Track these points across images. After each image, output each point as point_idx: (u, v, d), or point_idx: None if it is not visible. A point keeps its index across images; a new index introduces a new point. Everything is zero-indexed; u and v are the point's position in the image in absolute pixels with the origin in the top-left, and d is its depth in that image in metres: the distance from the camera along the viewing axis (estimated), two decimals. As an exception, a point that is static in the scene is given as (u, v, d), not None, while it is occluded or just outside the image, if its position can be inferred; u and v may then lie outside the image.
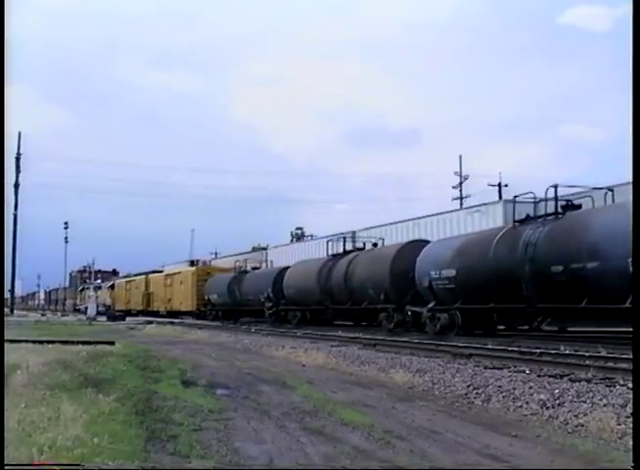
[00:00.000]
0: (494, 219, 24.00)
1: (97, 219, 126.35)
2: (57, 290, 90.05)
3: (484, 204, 26.61)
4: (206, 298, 37.77)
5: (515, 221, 16.42)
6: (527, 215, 16.13)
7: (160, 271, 54.01)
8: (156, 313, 44.70)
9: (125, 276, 65.28)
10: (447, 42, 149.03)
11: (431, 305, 18.42)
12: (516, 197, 17.16)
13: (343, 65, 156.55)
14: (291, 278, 28.70)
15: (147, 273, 54.74)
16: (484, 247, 16.79)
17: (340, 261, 25.05)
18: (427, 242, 21.12)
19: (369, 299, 22.14)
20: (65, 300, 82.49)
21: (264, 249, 45.38)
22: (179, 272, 44.84)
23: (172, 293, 43.63)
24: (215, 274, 39.58)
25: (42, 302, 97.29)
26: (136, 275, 60.65)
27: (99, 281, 65.04)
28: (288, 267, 30.27)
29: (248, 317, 33.64)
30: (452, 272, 17.63)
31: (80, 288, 70.02)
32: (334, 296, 24.78)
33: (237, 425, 6.15)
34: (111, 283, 63.14)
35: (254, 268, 36.08)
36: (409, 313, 19.63)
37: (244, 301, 33.49)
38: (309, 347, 15.50)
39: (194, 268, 43.31)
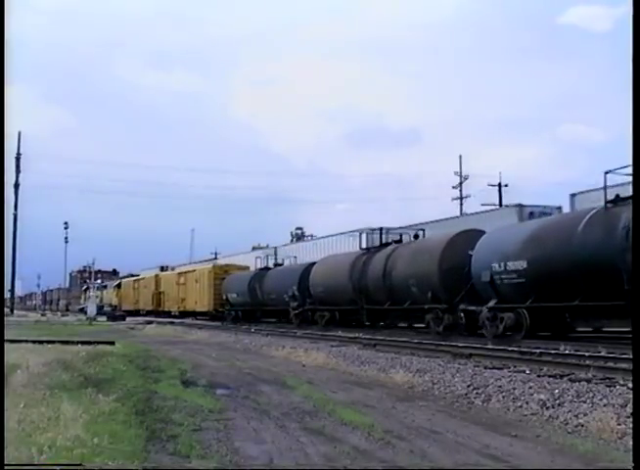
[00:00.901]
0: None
1: (97, 219, 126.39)
2: (51, 291, 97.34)
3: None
4: (225, 297, 34.98)
5: (607, 202, 13.59)
6: (617, 196, 13.46)
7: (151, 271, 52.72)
8: (167, 314, 42.55)
9: (127, 275, 64.17)
10: (447, 42, 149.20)
11: (492, 304, 15.74)
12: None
13: (343, 65, 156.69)
14: (318, 275, 25.83)
15: (159, 269, 53.33)
16: (566, 232, 14.11)
17: (376, 256, 22.12)
18: (481, 232, 18.02)
19: (412, 298, 19.45)
20: (58, 300, 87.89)
21: (265, 248, 44.24)
22: (194, 270, 41.95)
23: (186, 292, 40.53)
24: (234, 272, 36.58)
25: (39, 302, 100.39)
26: (130, 275, 60.01)
27: (99, 281, 64.60)
28: (313, 263, 27.42)
29: (270, 318, 31.68)
30: (522, 264, 14.88)
31: (84, 287, 68.66)
32: (369, 294, 22.05)
33: (237, 425, 6.15)
34: (117, 282, 60.85)
35: (277, 265, 33.15)
36: (461, 314, 17.14)
37: (266, 300, 30.89)
38: (309, 347, 15.50)
39: (211, 265, 40.29)
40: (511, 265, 15.23)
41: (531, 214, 21.21)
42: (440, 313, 18.08)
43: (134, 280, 54.84)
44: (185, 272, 42.97)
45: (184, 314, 40.44)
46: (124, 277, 63.49)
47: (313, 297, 26.08)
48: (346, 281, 23.15)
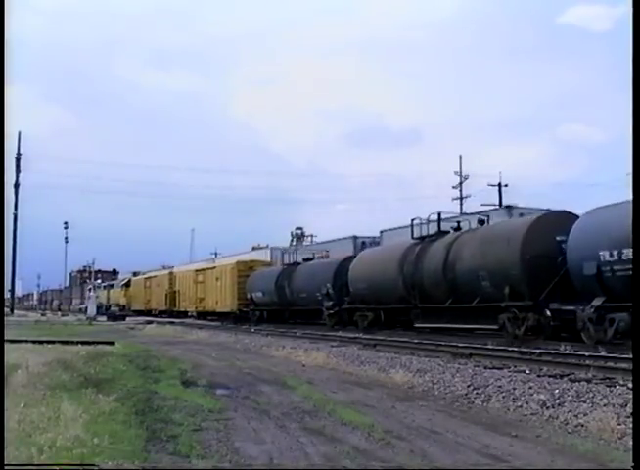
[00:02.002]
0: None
1: (97, 219, 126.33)
2: (46, 292, 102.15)
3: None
4: (249, 296, 31.58)
5: None
6: None
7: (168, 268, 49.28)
8: (184, 315, 39.38)
9: (134, 274, 61.98)
10: (447, 42, 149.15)
11: (598, 303, 12.93)
12: None
13: (343, 64, 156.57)
14: (359, 269, 22.67)
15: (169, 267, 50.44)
16: None
17: (433, 245, 18.90)
18: (570, 213, 15.38)
19: (483, 294, 16.18)
20: (52, 300, 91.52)
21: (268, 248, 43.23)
22: (214, 267, 38.33)
23: (205, 291, 36.57)
24: (259, 268, 33.30)
25: (35, 302, 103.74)
26: (133, 274, 57.52)
27: (99, 281, 64.27)
28: (352, 257, 24.69)
29: (300, 319, 28.18)
30: None
31: (89, 287, 65.95)
32: (424, 291, 18.74)
33: (237, 425, 6.15)
34: (125, 280, 56.85)
35: (307, 260, 29.70)
36: (548, 313, 14.17)
37: (295, 299, 27.80)
38: (309, 347, 15.51)
39: (234, 262, 35.90)
40: (628, 253, 12.18)
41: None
42: (521, 313, 14.85)
43: (145, 278, 50.62)
44: (204, 269, 38.93)
45: (202, 315, 37.18)
46: (135, 275, 60.79)
47: (352, 295, 22.81)
48: (396, 275, 19.81)
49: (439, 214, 19.87)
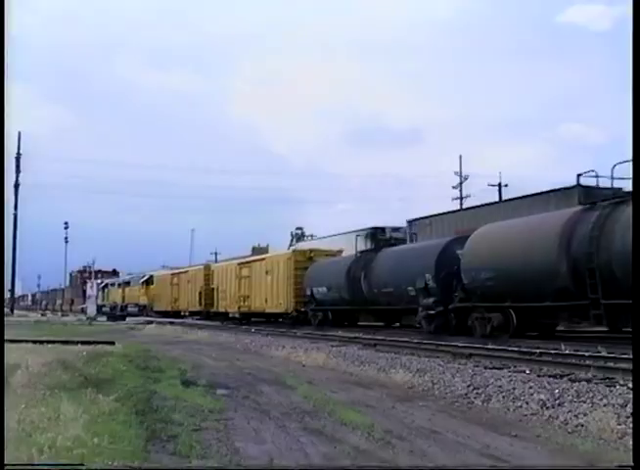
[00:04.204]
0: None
1: (97, 219, 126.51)
2: (40, 293, 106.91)
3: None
4: (308, 293, 25.71)
5: None
6: None
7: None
8: (224, 316, 33.66)
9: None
10: (447, 42, 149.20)
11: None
12: None
13: (344, 64, 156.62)
14: (479, 252, 16.53)
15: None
16: None
17: (620, 213, 12.79)
18: None
19: None
20: (41, 301, 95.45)
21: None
22: (263, 258, 31.83)
23: (251, 288, 30.67)
24: (322, 259, 27.42)
25: (29, 303, 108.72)
26: (144, 275, 51.31)
27: (99, 280, 64.02)
28: (461, 237, 18.46)
29: (380, 321, 22.70)
30: None
31: (102, 285, 62.63)
32: (614, 279, 12.50)
33: (237, 425, 6.15)
34: (145, 277, 50.30)
35: (391, 244, 24.45)
36: None
37: (375, 296, 21.45)
38: (309, 347, 15.50)
39: (290, 251, 30.61)
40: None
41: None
42: None
43: (172, 274, 43.84)
44: (250, 262, 32.90)
45: (247, 316, 31.75)
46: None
47: (468, 288, 16.77)
48: (553, 257, 13.89)
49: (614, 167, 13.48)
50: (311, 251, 28.82)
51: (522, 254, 14.97)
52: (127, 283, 55.15)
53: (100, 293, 61.57)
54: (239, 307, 32.00)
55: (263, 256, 33.65)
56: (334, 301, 24.15)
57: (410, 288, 19.07)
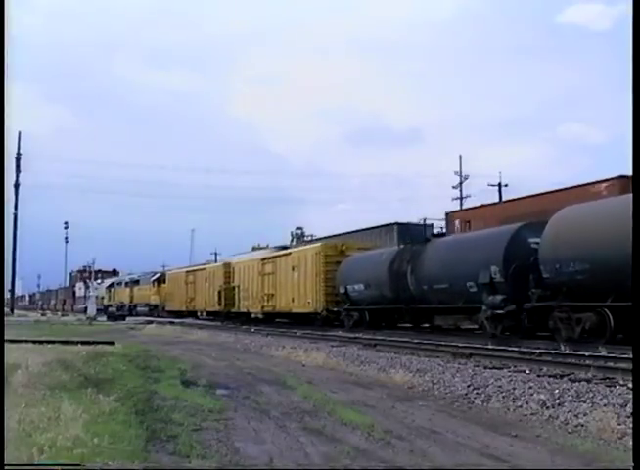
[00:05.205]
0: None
1: (97, 219, 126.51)
2: (37, 293, 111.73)
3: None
4: (342, 291, 22.96)
5: None
6: None
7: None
8: (246, 317, 31.41)
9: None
10: (447, 42, 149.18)
11: None
12: None
13: (343, 64, 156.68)
14: (568, 240, 13.51)
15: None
16: None
17: None
18: None
19: None
20: (37, 301, 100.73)
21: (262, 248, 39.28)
22: (289, 253, 28.86)
23: (276, 286, 28.04)
24: (355, 252, 24.61)
25: (27, 303, 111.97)
26: (153, 274, 49.28)
27: (99, 280, 64.01)
28: (533, 224, 15.72)
29: (429, 322, 19.68)
30: None
31: (108, 284, 61.68)
32: None
33: (237, 425, 6.15)
34: (156, 276, 47.87)
35: (440, 234, 21.50)
36: None
37: (424, 293, 18.66)
38: (309, 347, 15.50)
39: (319, 245, 26.94)
40: None
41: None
42: None
43: (187, 272, 41.16)
44: (274, 257, 29.63)
45: (271, 317, 29.59)
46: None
47: (551, 284, 13.90)
48: None
49: None
50: (343, 244, 26.04)
51: (628, 239, 9.63)
52: (136, 282, 52.81)
53: (106, 293, 60.94)
54: (262, 308, 29.66)
55: (289, 250, 30.90)
56: (372, 299, 21.22)
57: (470, 283, 16.34)
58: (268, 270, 28.97)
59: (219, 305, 33.63)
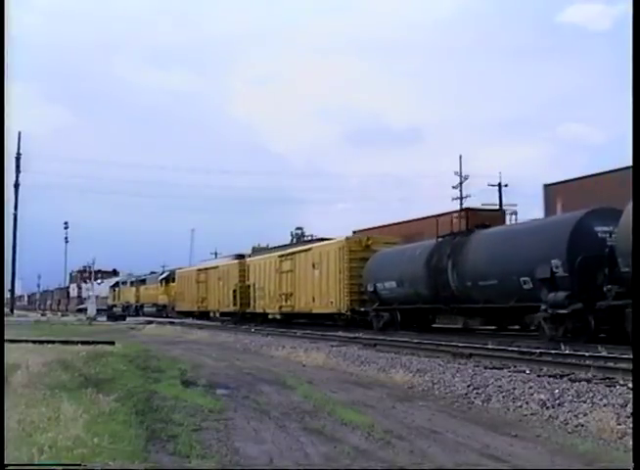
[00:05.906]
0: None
1: (97, 219, 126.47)
2: (35, 294, 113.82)
3: None
4: (370, 289, 21.06)
5: None
6: None
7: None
8: (263, 317, 29.84)
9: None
10: (447, 42, 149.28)
11: None
12: None
13: (343, 64, 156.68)
14: None
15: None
16: None
17: None
18: None
19: None
20: (36, 301, 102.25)
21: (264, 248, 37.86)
22: (309, 249, 26.45)
23: (295, 284, 26.14)
24: (383, 246, 22.69)
25: (26, 303, 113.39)
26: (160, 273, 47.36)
27: (99, 280, 63.90)
28: (601, 210, 14.09)
29: (471, 321, 18.62)
30: None
31: (113, 283, 60.48)
32: None
33: (237, 425, 6.15)
34: (164, 275, 45.89)
35: (484, 225, 18.01)
36: None
37: (467, 290, 16.74)
38: (309, 347, 15.50)
39: (343, 239, 24.21)
40: None
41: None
42: None
43: (198, 270, 38.66)
44: (292, 254, 27.38)
45: (289, 318, 27.94)
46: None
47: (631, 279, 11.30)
48: None
49: None
50: (369, 238, 24.06)
51: None
52: (142, 281, 51.16)
53: (110, 292, 60.18)
54: (280, 308, 27.73)
55: (309, 245, 28.12)
56: (407, 298, 19.24)
57: (524, 279, 14.44)
58: (286, 268, 27.09)
59: (234, 305, 31.72)
